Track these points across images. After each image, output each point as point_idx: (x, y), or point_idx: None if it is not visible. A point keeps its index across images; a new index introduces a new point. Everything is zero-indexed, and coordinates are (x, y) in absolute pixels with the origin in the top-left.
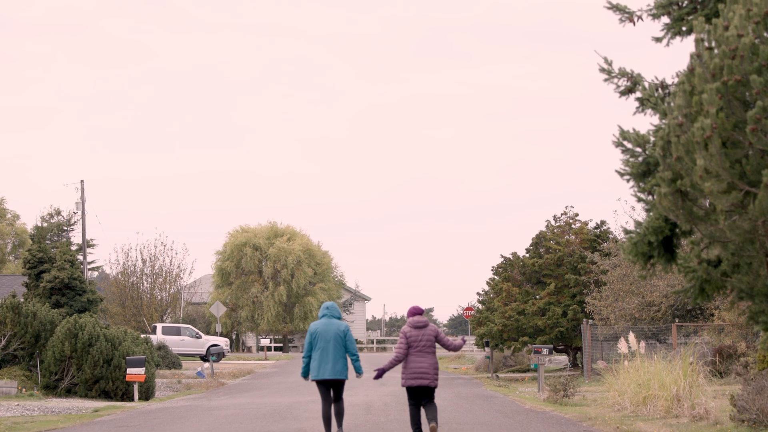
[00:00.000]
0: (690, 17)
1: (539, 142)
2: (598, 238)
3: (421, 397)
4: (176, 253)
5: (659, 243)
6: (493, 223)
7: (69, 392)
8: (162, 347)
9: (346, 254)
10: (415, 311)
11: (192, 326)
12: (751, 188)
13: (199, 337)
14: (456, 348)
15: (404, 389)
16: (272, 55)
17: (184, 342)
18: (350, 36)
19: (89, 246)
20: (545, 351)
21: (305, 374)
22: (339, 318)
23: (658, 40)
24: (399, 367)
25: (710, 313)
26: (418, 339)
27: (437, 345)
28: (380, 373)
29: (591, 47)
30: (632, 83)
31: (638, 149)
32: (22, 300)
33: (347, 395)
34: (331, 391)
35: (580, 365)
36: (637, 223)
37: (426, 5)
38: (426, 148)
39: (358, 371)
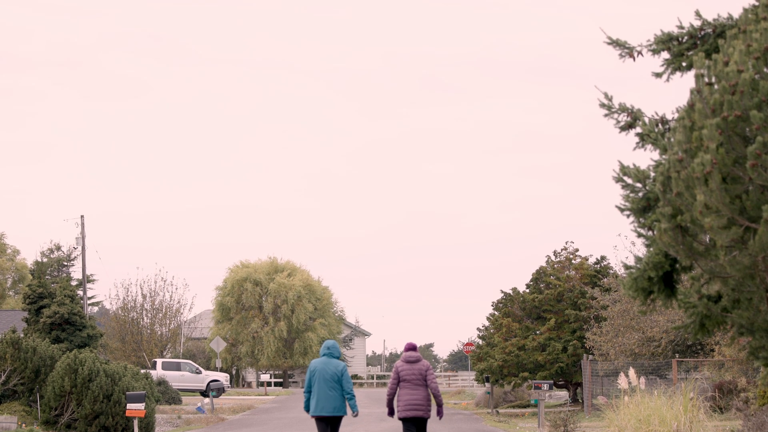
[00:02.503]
0: (690, 53)
1: (540, 177)
2: (598, 274)
3: (415, 426)
4: (176, 289)
5: (659, 278)
6: (494, 258)
7: (69, 427)
8: (162, 382)
9: (346, 289)
10: (409, 347)
11: (192, 361)
12: (751, 224)
13: (199, 372)
14: (436, 394)
15: (400, 422)
16: (271, 91)
17: (184, 377)
18: (351, 71)
19: (89, 281)
20: (545, 386)
21: (307, 408)
22: (338, 357)
23: (658, 75)
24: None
25: (710, 348)
26: (410, 373)
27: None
28: (390, 412)
29: (591, 82)
30: (632, 119)
31: (638, 184)
32: (22, 335)
33: (348, 430)
34: (329, 427)
35: (580, 401)
36: (637, 259)
37: (426, 41)
38: (426, 183)
39: (354, 410)
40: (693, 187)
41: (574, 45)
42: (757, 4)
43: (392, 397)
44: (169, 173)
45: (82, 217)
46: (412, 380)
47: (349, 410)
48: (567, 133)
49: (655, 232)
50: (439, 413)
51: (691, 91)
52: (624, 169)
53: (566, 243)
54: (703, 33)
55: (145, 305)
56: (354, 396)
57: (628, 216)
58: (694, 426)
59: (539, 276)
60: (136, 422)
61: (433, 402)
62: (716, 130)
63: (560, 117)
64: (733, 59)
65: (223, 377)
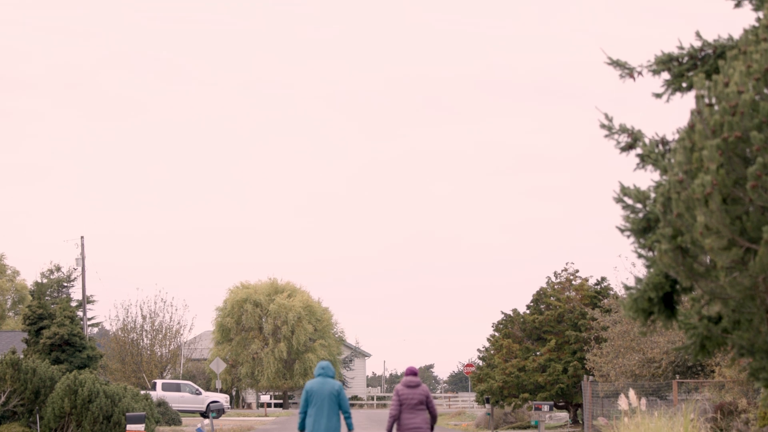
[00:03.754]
0: (690, 73)
1: (540, 198)
2: (598, 295)
3: None
4: (176, 310)
5: (660, 299)
6: (494, 279)
7: None
8: (162, 403)
9: (346, 310)
10: (410, 371)
11: (192, 382)
12: (751, 245)
13: (199, 393)
14: (435, 416)
15: None
16: (271, 111)
17: (184, 398)
18: (351, 92)
19: (89, 302)
20: (546, 407)
21: (302, 428)
22: (333, 377)
23: (658, 96)
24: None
25: (711, 369)
26: (410, 397)
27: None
28: None
29: (592, 103)
30: (633, 139)
31: (639, 205)
32: (21, 356)
33: None
34: None
35: (580, 422)
36: (638, 280)
37: (427, 61)
38: (427, 204)
39: (350, 428)
40: (693, 208)
41: (575, 66)
42: (757, 25)
43: (395, 419)
44: (169, 194)
45: (81, 237)
46: (413, 404)
47: (345, 428)
48: (567, 153)
49: (655, 253)
50: (431, 428)
51: (692, 112)
52: (624, 190)
53: (566, 264)
54: (703, 54)
55: (145, 326)
56: (351, 415)
57: (628, 236)
58: None
59: (539, 297)
60: None
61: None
62: (716, 151)
63: (561, 138)
64: (733, 80)
65: (223, 398)
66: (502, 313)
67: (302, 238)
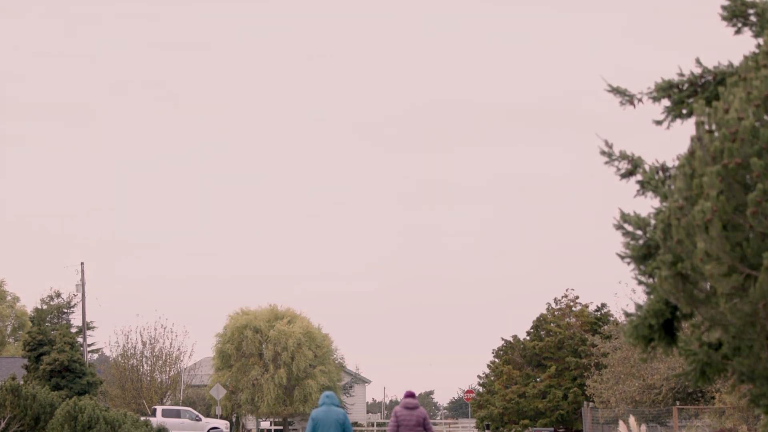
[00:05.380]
0: (690, 100)
1: (541, 223)
2: (598, 321)
3: None
4: (176, 336)
5: (660, 326)
6: (494, 305)
7: None
8: (162, 430)
9: (346, 336)
10: (408, 394)
11: (192, 409)
12: (751, 271)
13: (199, 419)
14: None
15: None
16: (275, 140)
17: (184, 425)
18: (358, 122)
19: (89, 328)
20: None
21: None
22: (338, 405)
23: (658, 122)
24: None
25: (711, 396)
26: (407, 419)
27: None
28: None
29: (592, 129)
30: (633, 166)
31: (639, 232)
32: (21, 382)
33: None
34: None
35: None
36: (638, 306)
37: (428, 84)
38: (428, 230)
39: None
40: (693, 234)
41: (576, 93)
42: (757, 51)
43: None
44: (170, 220)
45: (82, 264)
46: (410, 426)
47: None
48: (566, 178)
49: (655, 280)
50: None
51: (692, 139)
52: (624, 217)
53: (567, 290)
54: (703, 80)
55: (145, 352)
56: None
57: (628, 263)
58: None
59: (540, 323)
60: None
61: None
62: (717, 177)
63: (560, 163)
64: (733, 106)
65: (223, 424)
66: (503, 339)
67: (303, 265)
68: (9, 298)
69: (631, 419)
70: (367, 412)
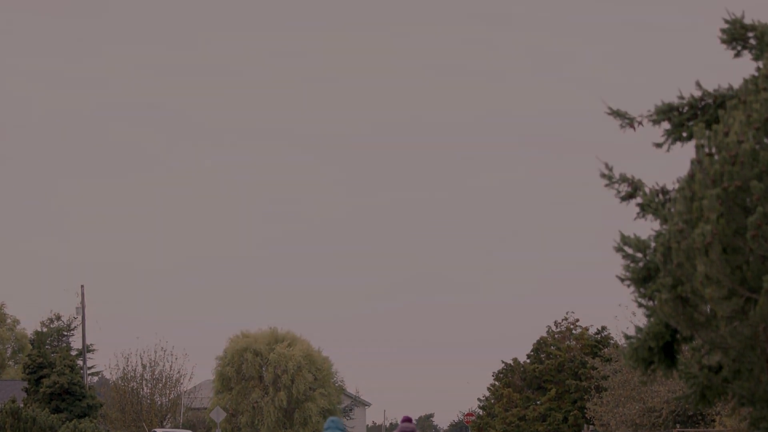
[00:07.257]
0: (690, 123)
1: (539, 245)
2: (598, 344)
3: None
4: (176, 359)
5: (660, 349)
6: (494, 328)
7: None
8: None
9: (346, 359)
10: (406, 419)
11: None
12: (751, 294)
13: None
14: None
15: None
16: (271, 162)
17: None
18: (349, 145)
19: (89, 351)
20: None
21: None
22: (343, 431)
23: (658, 145)
24: None
25: (711, 419)
26: None
27: None
28: None
29: (592, 152)
30: (633, 189)
31: (639, 254)
32: (21, 405)
33: None
34: None
35: None
36: (638, 329)
37: (425, 107)
38: (427, 251)
39: None
40: (693, 257)
41: (575, 115)
42: (756, 74)
43: None
44: (171, 243)
45: (81, 286)
46: None
47: None
48: (564, 200)
49: (655, 303)
50: None
51: (692, 162)
52: (624, 239)
53: (567, 313)
54: (703, 103)
55: (145, 375)
56: None
57: (628, 286)
58: None
59: (540, 346)
60: None
61: None
62: (717, 200)
63: (557, 185)
64: (733, 129)
65: None
66: (503, 362)
67: (303, 287)
68: (9, 320)
69: None
70: None
